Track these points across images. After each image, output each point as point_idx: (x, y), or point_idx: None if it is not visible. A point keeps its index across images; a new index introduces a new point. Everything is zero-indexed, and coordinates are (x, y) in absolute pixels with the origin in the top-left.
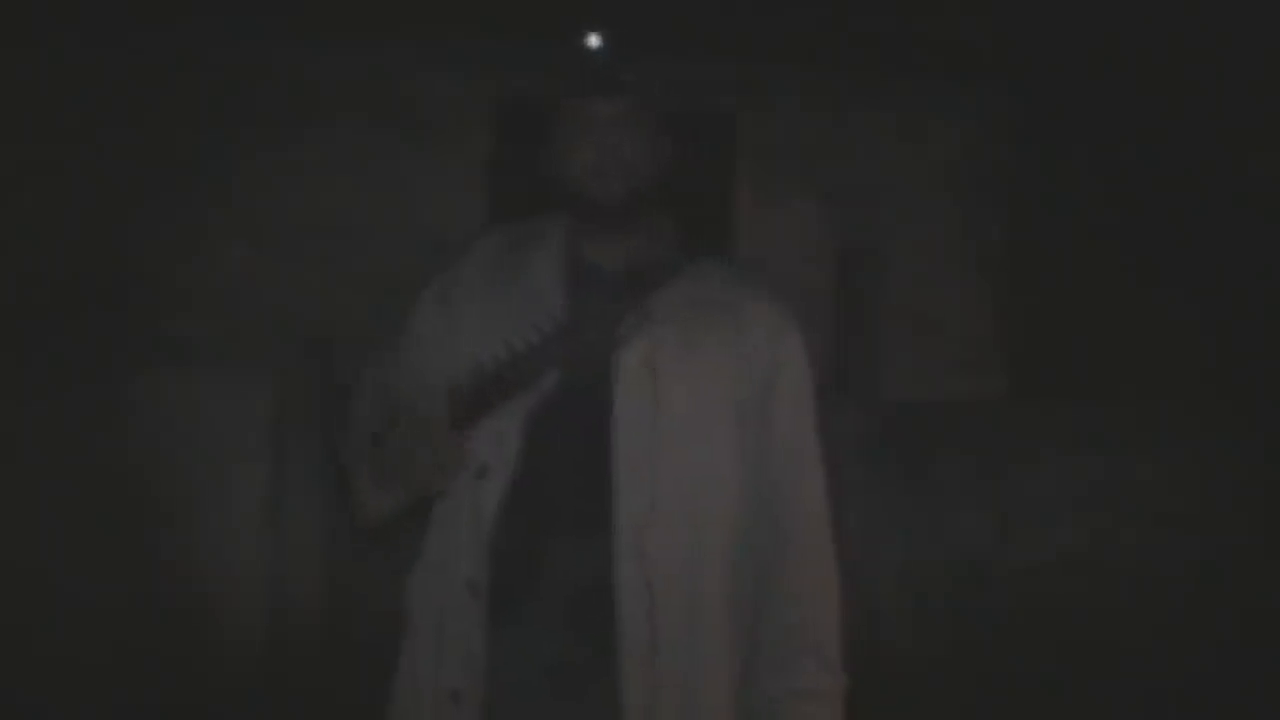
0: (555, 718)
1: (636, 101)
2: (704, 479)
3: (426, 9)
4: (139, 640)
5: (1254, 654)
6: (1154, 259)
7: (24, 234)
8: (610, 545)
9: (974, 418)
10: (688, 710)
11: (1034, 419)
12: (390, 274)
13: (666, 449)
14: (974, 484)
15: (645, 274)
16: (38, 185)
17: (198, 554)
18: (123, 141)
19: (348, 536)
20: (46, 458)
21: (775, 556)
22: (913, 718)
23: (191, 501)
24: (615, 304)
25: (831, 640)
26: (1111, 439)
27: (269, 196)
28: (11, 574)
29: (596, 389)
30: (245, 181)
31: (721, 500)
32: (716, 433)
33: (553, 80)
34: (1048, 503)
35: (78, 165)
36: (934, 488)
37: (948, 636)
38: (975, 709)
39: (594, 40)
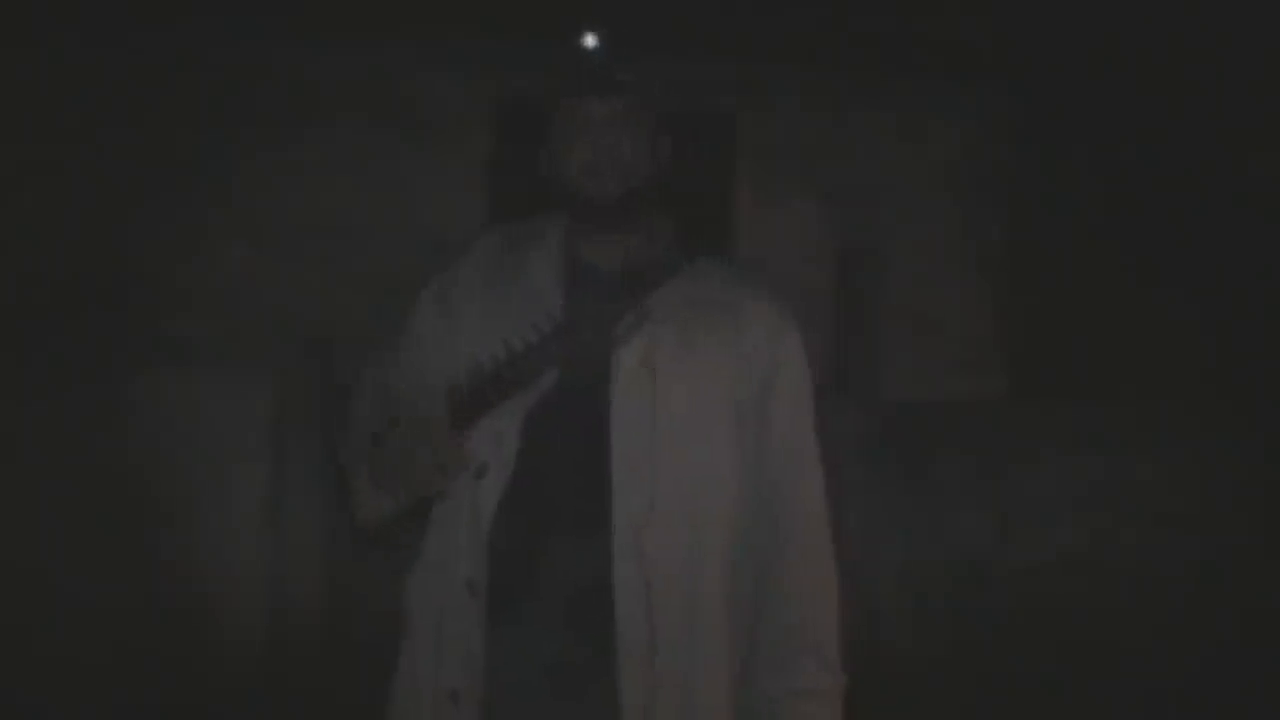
0: (554, 717)
1: (632, 101)
2: (703, 479)
3: (426, 9)
4: (139, 640)
5: (1254, 654)
6: (1154, 259)
7: (24, 234)
8: (609, 545)
9: (974, 418)
10: (686, 710)
11: (1034, 419)
12: (390, 274)
13: (665, 449)
14: (974, 484)
15: (643, 274)
16: (38, 185)
17: (198, 554)
18: (123, 141)
19: (348, 536)
20: (46, 458)
21: (775, 556)
22: (913, 718)
23: (191, 501)
24: (613, 304)
25: (831, 640)
26: (1111, 439)
27: (269, 196)
28: (11, 574)
29: (595, 388)
30: (245, 181)
31: (720, 500)
32: (715, 432)
33: (551, 80)
34: (1048, 503)
35: (78, 165)
36: (934, 488)
37: (948, 636)
38: (975, 709)
39: (590, 40)
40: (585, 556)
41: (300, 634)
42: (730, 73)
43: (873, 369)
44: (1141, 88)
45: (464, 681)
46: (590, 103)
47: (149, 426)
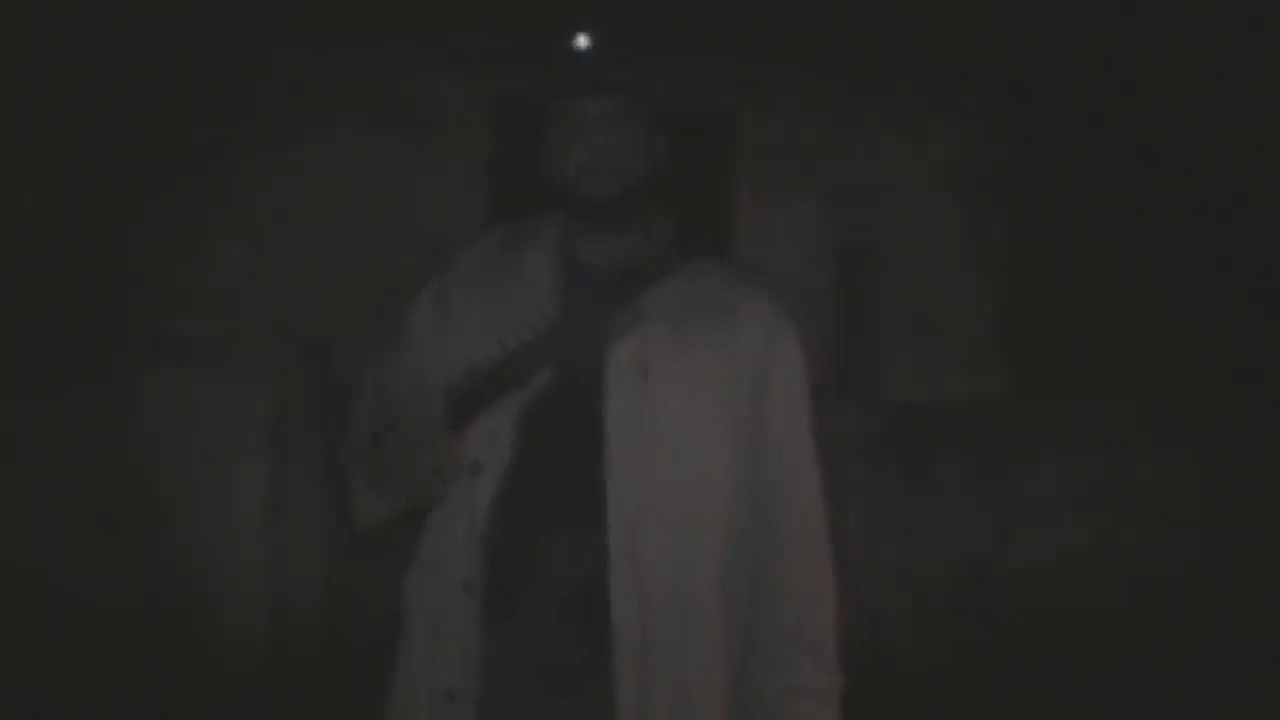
0: (550, 717)
1: (626, 100)
2: (696, 479)
3: (426, 9)
4: (139, 640)
5: (1254, 654)
6: (1154, 259)
7: (24, 234)
8: (604, 543)
9: (974, 418)
10: (681, 709)
11: (1034, 419)
12: (390, 274)
13: (657, 448)
14: (974, 484)
15: (639, 273)
16: (38, 185)
17: (198, 554)
18: (123, 141)
19: (347, 537)
20: (46, 458)
21: (771, 556)
22: (913, 718)
23: (191, 501)
24: (608, 303)
25: (829, 640)
26: (1111, 439)
27: (269, 196)
28: (11, 574)
29: (590, 387)
30: (245, 181)
31: (715, 500)
32: (710, 432)
33: (545, 81)
34: (1048, 503)
35: (78, 165)
36: (934, 488)
37: (948, 636)
38: (975, 709)
39: (582, 41)
40: (580, 554)
41: (300, 634)
42: (730, 73)
43: (873, 369)
44: (1141, 87)
45: (460, 681)
46: (583, 103)
47: (149, 426)
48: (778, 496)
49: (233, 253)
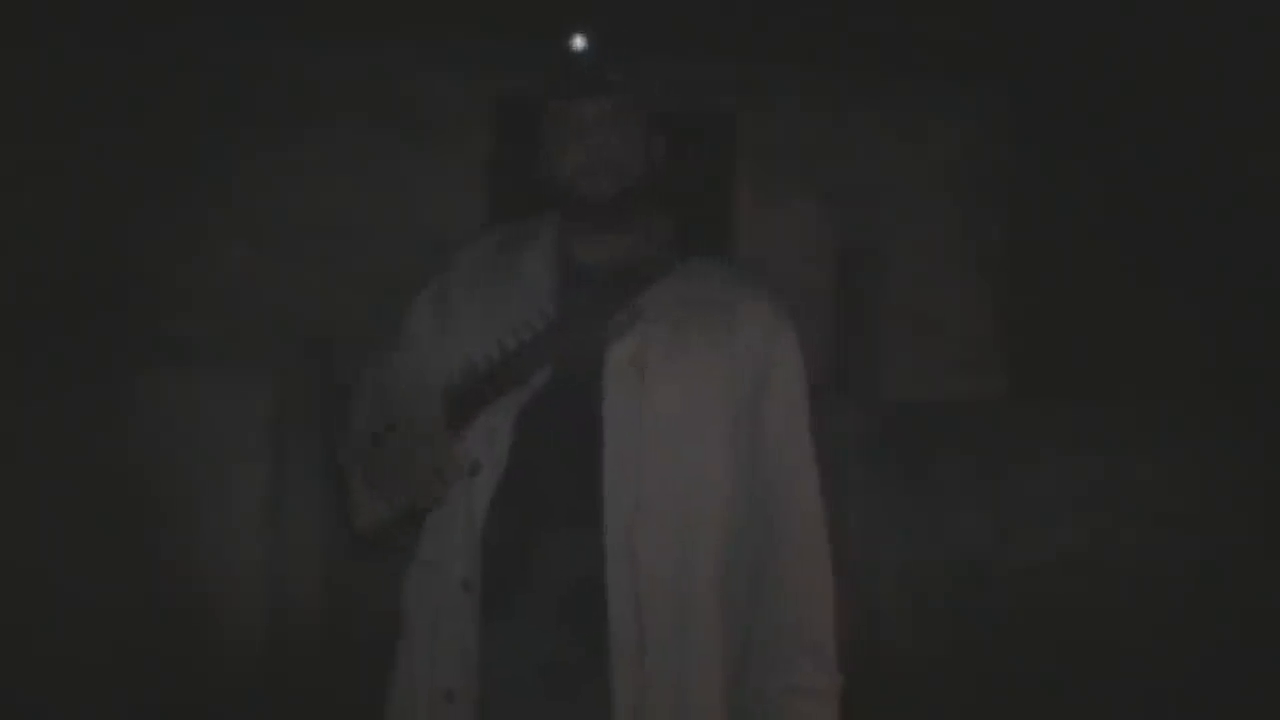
0: (549, 717)
1: (623, 100)
2: (694, 479)
3: (426, 9)
4: (139, 640)
5: (1254, 654)
6: (1154, 259)
7: (24, 234)
8: (601, 542)
9: (974, 418)
10: (679, 710)
11: (1034, 419)
12: (390, 274)
13: (654, 448)
14: (974, 484)
15: (637, 272)
16: (38, 185)
17: (198, 554)
18: (123, 141)
19: (346, 537)
20: (46, 458)
21: (770, 556)
22: (913, 718)
23: (191, 501)
24: (606, 302)
25: (828, 639)
26: (1111, 439)
27: (269, 196)
28: (11, 574)
29: (588, 386)
30: (245, 181)
31: (713, 500)
32: (708, 433)
33: (544, 81)
34: (1048, 503)
35: (78, 165)
36: (934, 488)
37: (948, 636)
38: (975, 709)
39: (579, 41)
40: (578, 554)
41: (300, 634)
42: (730, 73)
43: (873, 369)
44: (1141, 87)
45: (459, 680)
46: (581, 104)
47: (149, 426)
48: (777, 496)
49: (233, 253)
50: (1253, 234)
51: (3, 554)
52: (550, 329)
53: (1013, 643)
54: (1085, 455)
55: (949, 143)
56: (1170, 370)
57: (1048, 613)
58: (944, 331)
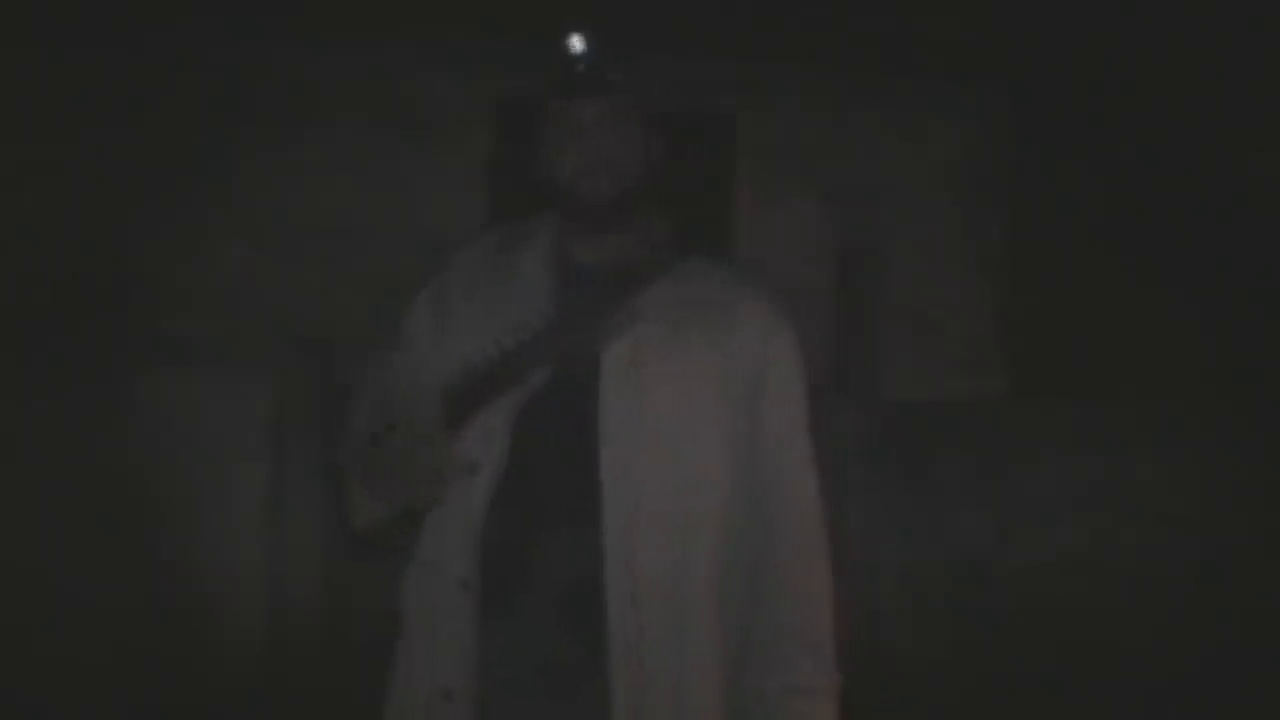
0: (548, 717)
1: (622, 101)
2: (692, 479)
3: (426, 9)
4: (139, 640)
5: (1254, 654)
6: (1154, 259)
7: (24, 234)
8: (600, 542)
9: (974, 418)
10: (678, 710)
11: (1034, 419)
12: (390, 274)
13: (652, 448)
14: (974, 484)
15: (634, 272)
16: (38, 185)
17: (198, 554)
18: (123, 141)
19: (345, 538)
20: (46, 458)
21: (769, 557)
22: (913, 718)
23: (191, 501)
24: (603, 302)
25: (827, 639)
26: (1111, 439)
27: (269, 196)
28: (11, 574)
29: (586, 386)
30: (245, 181)
31: (711, 501)
32: (705, 433)
33: (544, 81)
34: (1048, 503)
35: (78, 165)
36: (934, 488)
37: (948, 636)
38: (975, 709)
39: (578, 42)
40: (576, 554)
41: (300, 634)
42: (730, 73)
43: (873, 369)
44: (1141, 87)
45: (458, 680)
46: (580, 104)
47: (149, 426)
48: (775, 497)
49: (233, 253)
50: (1253, 234)
51: (3, 554)
52: (548, 329)
53: (1013, 643)
54: (1085, 455)
55: (949, 143)
56: (1170, 370)
57: (1048, 613)
58: (944, 331)
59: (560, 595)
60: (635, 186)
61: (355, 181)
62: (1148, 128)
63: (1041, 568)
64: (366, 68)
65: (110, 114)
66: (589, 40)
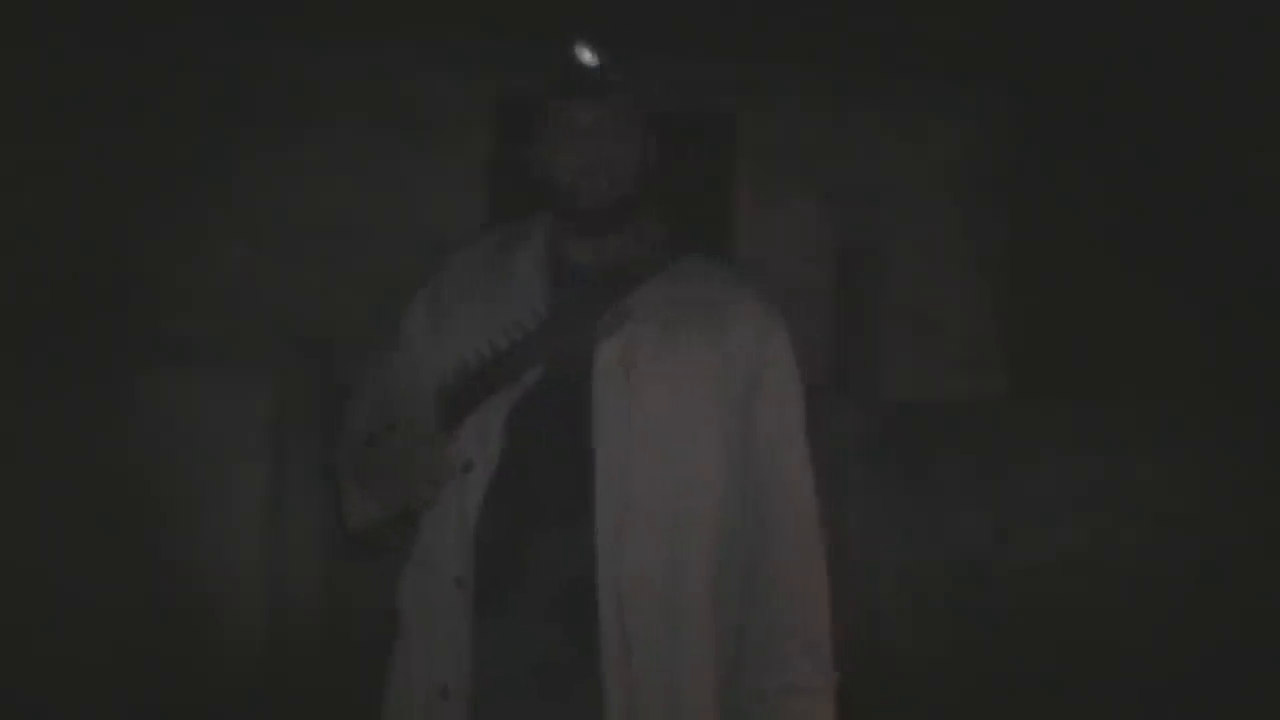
0: (541, 717)
1: (621, 103)
2: (685, 479)
3: (426, 9)
4: (139, 640)
5: (1254, 654)
6: (1154, 259)
7: (24, 234)
8: (592, 542)
9: (974, 418)
10: (672, 710)
11: (1034, 419)
12: (390, 274)
13: (644, 448)
14: (974, 484)
15: (626, 272)
16: (38, 185)
17: (198, 554)
18: (123, 141)
19: (345, 537)
20: (46, 458)
21: (762, 557)
22: (913, 718)
23: (191, 501)
24: (595, 302)
25: (825, 639)
26: (1111, 439)
27: (269, 196)
28: (11, 574)
29: (578, 385)
30: (245, 181)
31: (705, 500)
32: (699, 433)
33: (540, 81)
34: (1048, 503)
35: (78, 165)
36: (934, 488)
37: (948, 636)
38: (975, 709)
39: (587, 53)
40: (569, 553)
41: (300, 634)
42: (730, 73)
43: (873, 369)
44: (1142, 87)
45: (454, 677)
46: (579, 106)
47: (149, 426)
48: (769, 497)
49: (233, 253)
50: (1253, 234)
51: (3, 554)
52: (541, 329)
53: (1013, 643)
54: (1085, 455)
55: (949, 143)
56: (1170, 370)
57: (1048, 613)
58: (944, 331)
59: (553, 594)
60: (633, 189)
61: (355, 181)
62: (1148, 128)
63: (1041, 568)
64: (366, 68)
65: (110, 114)
66: (596, 51)
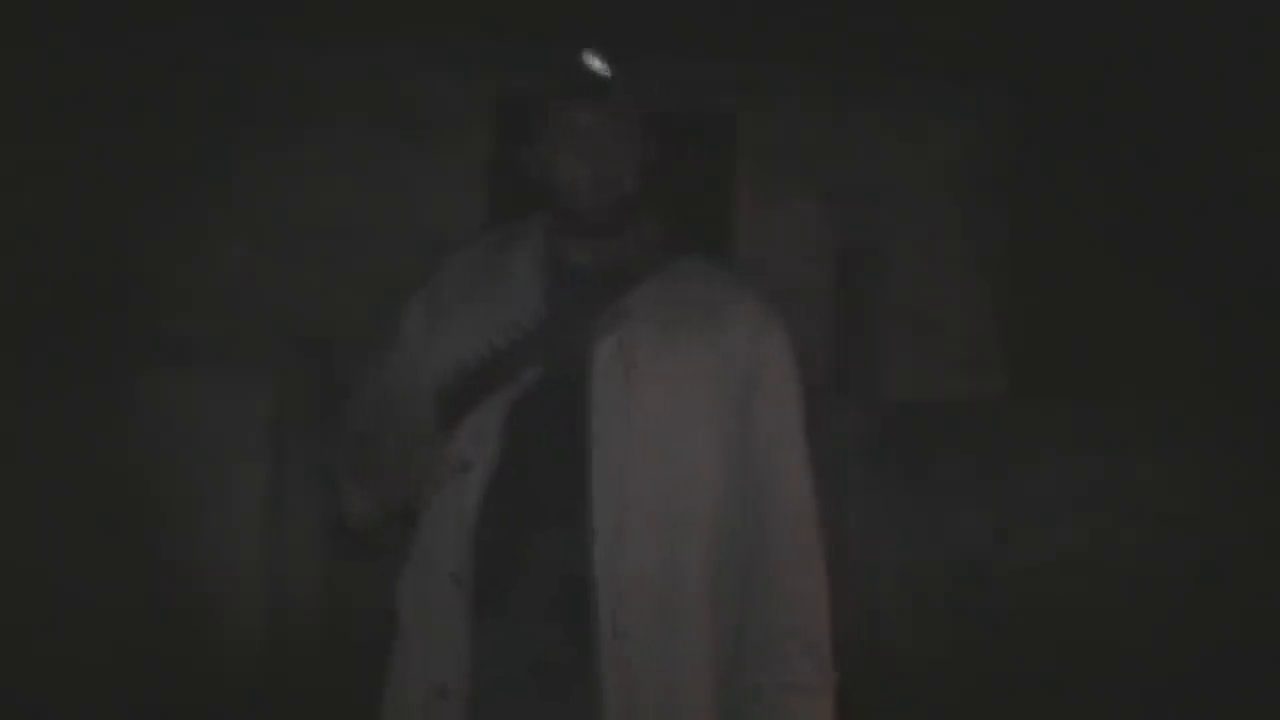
0: (539, 717)
1: (623, 106)
2: (683, 478)
3: (426, 9)
4: (139, 640)
5: (1254, 654)
6: (1154, 259)
7: (24, 234)
8: (589, 541)
9: (974, 418)
10: (668, 709)
11: (1034, 419)
12: (390, 274)
13: (642, 447)
14: (974, 484)
15: (624, 272)
16: (38, 185)
17: (198, 554)
18: (123, 141)
19: (345, 538)
20: (46, 458)
21: (761, 557)
22: (913, 718)
23: (191, 501)
24: (592, 302)
25: (824, 639)
26: (1111, 439)
27: (269, 196)
28: (11, 574)
29: (576, 385)
30: (245, 181)
31: (703, 500)
32: (697, 433)
33: (540, 81)
34: (1048, 503)
35: (78, 165)
36: (934, 488)
37: (948, 636)
38: (975, 709)
39: (596, 62)
40: (568, 552)
41: (300, 634)
42: (730, 73)
43: (873, 369)
44: (1142, 87)
45: (452, 676)
46: (580, 108)
47: (149, 426)
48: (768, 497)
49: (233, 253)
50: (1253, 234)
51: (3, 554)
52: (539, 329)
53: (1013, 643)
54: (1085, 455)
55: (949, 143)
56: (1170, 370)
57: (1048, 613)
58: (944, 331)
59: (552, 594)
60: (633, 190)
61: (355, 181)
62: (1148, 128)
63: (1041, 568)
64: (366, 68)
65: (110, 114)
66: (604, 59)
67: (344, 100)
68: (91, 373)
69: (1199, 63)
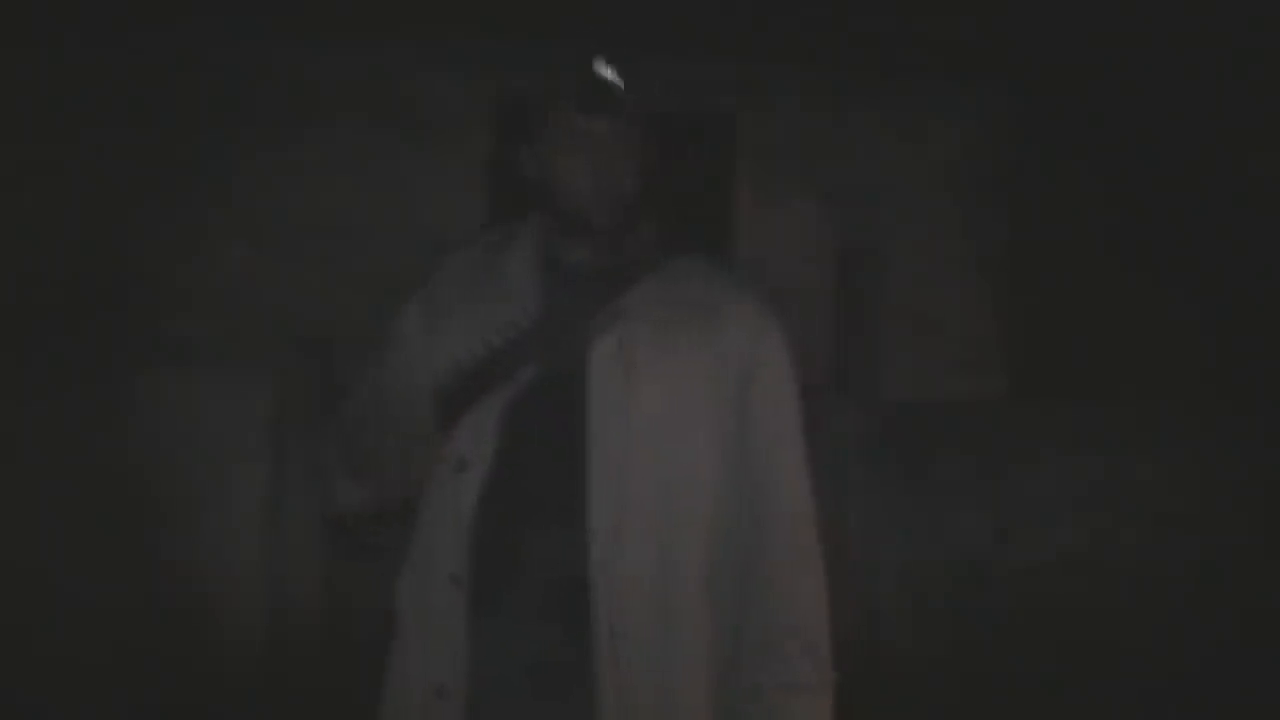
0: (538, 716)
1: (629, 114)
2: (680, 478)
3: (426, 9)
4: (139, 640)
5: (1254, 654)
6: (1154, 259)
7: (24, 234)
8: (586, 541)
9: (974, 418)
10: (665, 710)
11: (1034, 419)
12: (390, 274)
13: (639, 447)
14: (974, 484)
15: (620, 272)
16: (38, 185)
17: (198, 554)
18: (123, 141)
19: (345, 537)
20: (46, 458)
21: (760, 557)
22: (913, 718)
23: (191, 501)
24: (588, 301)
25: (823, 638)
26: (1111, 439)
27: (269, 196)
28: (11, 574)
29: (572, 385)
30: (245, 181)
31: (700, 500)
32: (693, 433)
33: (547, 82)
34: (1048, 503)
35: (78, 165)
36: (934, 488)
37: (948, 636)
38: (975, 709)
39: (608, 71)
40: (565, 552)
41: (300, 634)
42: (730, 73)
43: (873, 369)
44: (1141, 87)
45: (450, 676)
46: (591, 120)
47: (149, 426)
48: (765, 496)
49: (233, 253)
50: (1253, 234)
51: (3, 554)
52: (535, 328)
53: (1013, 643)
54: (1085, 455)
55: (949, 143)
56: (1170, 370)
57: (1048, 613)
58: (944, 331)
59: (549, 593)
60: (634, 194)
61: (355, 181)
62: (1148, 128)
63: (1041, 568)
64: (366, 68)
65: (110, 114)
66: (614, 69)
67: (344, 100)
68: (91, 373)
69: (1199, 63)
